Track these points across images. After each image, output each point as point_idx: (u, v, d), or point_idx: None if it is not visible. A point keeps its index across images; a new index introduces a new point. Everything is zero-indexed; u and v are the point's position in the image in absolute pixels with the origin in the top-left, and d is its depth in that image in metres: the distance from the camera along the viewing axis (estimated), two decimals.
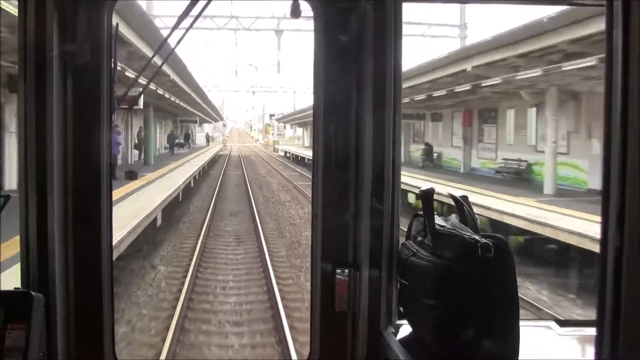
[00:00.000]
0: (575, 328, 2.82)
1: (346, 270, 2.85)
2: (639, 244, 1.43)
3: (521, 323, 2.30)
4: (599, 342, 1.55)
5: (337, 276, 2.85)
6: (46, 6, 2.63)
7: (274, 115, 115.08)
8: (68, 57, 2.71)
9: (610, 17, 1.50)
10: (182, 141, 66.81)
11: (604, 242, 1.53)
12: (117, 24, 2.86)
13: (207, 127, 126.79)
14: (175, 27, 2.72)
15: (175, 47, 3.09)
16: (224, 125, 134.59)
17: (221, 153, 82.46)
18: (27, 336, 2.42)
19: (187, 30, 2.77)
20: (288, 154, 73.53)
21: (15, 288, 2.61)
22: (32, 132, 2.66)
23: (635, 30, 1.42)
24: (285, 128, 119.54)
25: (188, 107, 52.83)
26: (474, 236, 2.28)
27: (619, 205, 1.47)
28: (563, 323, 2.84)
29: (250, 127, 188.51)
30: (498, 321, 2.28)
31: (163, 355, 9.47)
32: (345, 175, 2.89)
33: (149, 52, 19.70)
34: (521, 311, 2.33)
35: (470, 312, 2.28)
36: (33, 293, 2.52)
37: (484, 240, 2.23)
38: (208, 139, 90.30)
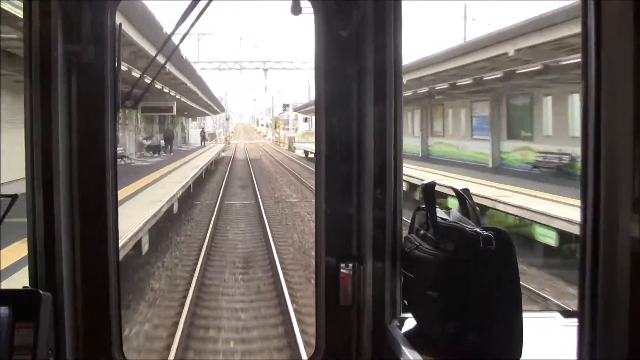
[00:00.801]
0: None
1: (350, 264, 2.86)
2: (613, 233, 1.45)
3: (525, 314, 2.30)
4: (580, 331, 1.56)
5: (342, 270, 2.86)
6: (50, 6, 2.65)
7: (288, 105, 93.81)
8: (72, 57, 2.73)
9: (585, 15, 1.53)
10: (160, 142, 43.57)
11: (583, 234, 1.54)
12: (120, 24, 2.85)
13: (210, 122, 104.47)
14: (180, 23, 2.69)
15: (179, 44, 3.05)
16: (227, 120, 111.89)
17: (223, 155, 59.59)
18: (36, 334, 2.44)
19: (192, 26, 2.72)
20: (311, 154, 51.10)
21: (23, 287, 2.63)
22: (37, 132, 2.67)
23: (607, 27, 1.47)
24: (297, 121, 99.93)
25: (156, 85, 29.82)
26: (476, 229, 2.30)
27: (595, 199, 1.48)
28: (567, 314, 2.82)
29: (257, 121, 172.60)
30: (501, 312, 2.29)
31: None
32: (348, 169, 2.91)
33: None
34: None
35: (473, 304, 2.29)
36: (41, 292, 2.54)
37: (485, 232, 2.25)
38: (204, 137, 67.57)
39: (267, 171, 43.93)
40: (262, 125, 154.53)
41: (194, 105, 50.57)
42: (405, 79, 33.96)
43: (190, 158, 41.54)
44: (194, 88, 41.88)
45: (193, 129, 75.17)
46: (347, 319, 2.89)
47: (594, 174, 1.49)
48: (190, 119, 73.88)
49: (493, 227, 2.30)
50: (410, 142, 41.21)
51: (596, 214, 1.48)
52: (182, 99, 40.12)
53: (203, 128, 73.34)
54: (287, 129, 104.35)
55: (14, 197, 2.58)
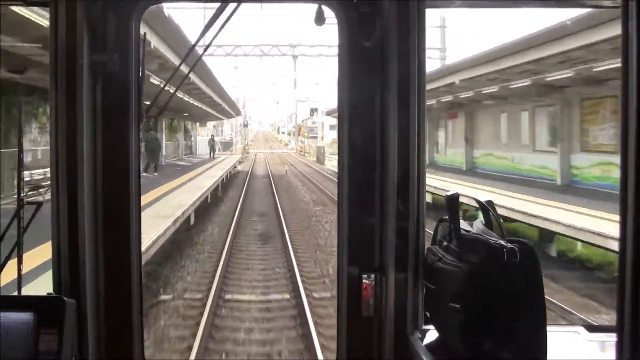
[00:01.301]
0: (604, 334, 2.76)
1: (372, 275, 2.84)
2: None
3: (549, 328, 2.27)
4: (619, 347, 1.52)
5: (364, 281, 2.83)
6: (76, 16, 2.67)
7: (316, 109, 79.98)
8: (97, 66, 2.75)
9: (626, 18, 1.49)
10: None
11: (622, 248, 1.50)
12: (144, 34, 2.86)
13: (227, 129, 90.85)
14: (203, 34, 2.73)
15: (202, 55, 3.07)
16: (245, 126, 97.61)
17: (238, 169, 45.84)
18: (60, 340, 2.46)
19: (215, 35, 2.78)
20: None
21: (48, 293, 2.64)
22: (62, 140, 2.69)
23: None
24: (324, 128, 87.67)
25: None
26: (500, 241, 2.27)
27: (636, 211, 1.44)
28: (592, 329, 2.81)
29: (278, 129, 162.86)
30: (525, 326, 2.25)
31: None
32: (370, 178, 2.89)
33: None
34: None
35: (496, 317, 2.26)
36: (65, 298, 2.56)
37: (509, 245, 2.23)
38: (212, 146, 52.91)
39: (299, 198, 29.55)
40: (283, 133, 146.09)
41: (196, 103, 36.25)
42: (502, 66, 22.64)
43: (184, 181, 26.92)
44: (196, 80, 27.86)
45: (207, 137, 60.70)
46: (369, 329, 2.86)
47: (635, 186, 1.46)
48: (197, 124, 59.65)
49: (517, 240, 2.26)
50: (530, 160, 26.20)
51: (637, 228, 1.46)
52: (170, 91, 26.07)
53: (212, 136, 58.09)
54: (314, 137, 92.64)
55: (38, 205, 2.68)
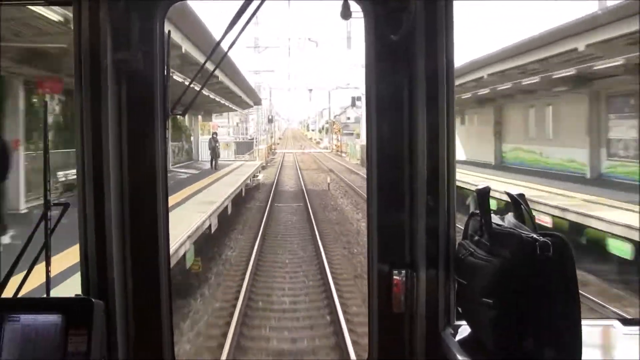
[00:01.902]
0: None
1: (403, 271, 2.82)
2: None
3: (583, 322, 2.25)
4: None
5: (394, 277, 2.82)
6: (100, 15, 2.67)
7: (359, 98, 64.89)
8: (121, 65, 2.74)
9: None
10: None
11: None
12: (169, 31, 2.85)
13: (252, 125, 75.53)
14: (228, 30, 2.70)
15: (228, 51, 3.02)
16: (270, 122, 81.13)
17: (259, 180, 31.79)
18: (89, 341, 2.45)
19: (241, 32, 2.75)
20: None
21: (75, 295, 2.65)
22: (88, 140, 2.69)
23: None
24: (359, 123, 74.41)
25: None
26: (532, 235, 2.24)
27: None
28: (627, 322, 2.76)
29: (307, 126, 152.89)
30: (559, 321, 2.23)
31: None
32: (400, 174, 2.88)
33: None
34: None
35: (530, 312, 2.24)
36: (93, 300, 2.55)
37: (542, 239, 2.20)
38: (214, 150, 35.42)
39: None
40: (313, 130, 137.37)
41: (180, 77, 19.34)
42: None
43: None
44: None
45: (201, 136, 44.31)
46: (400, 326, 2.85)
47: None
48: (199, 118, 43.15)
49: (551, 233, 2.23)
50: None
51: None
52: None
53: (214, 134, 39.84)
54: (349, 134, 77.62)
55: (65, 206, 2.67)
